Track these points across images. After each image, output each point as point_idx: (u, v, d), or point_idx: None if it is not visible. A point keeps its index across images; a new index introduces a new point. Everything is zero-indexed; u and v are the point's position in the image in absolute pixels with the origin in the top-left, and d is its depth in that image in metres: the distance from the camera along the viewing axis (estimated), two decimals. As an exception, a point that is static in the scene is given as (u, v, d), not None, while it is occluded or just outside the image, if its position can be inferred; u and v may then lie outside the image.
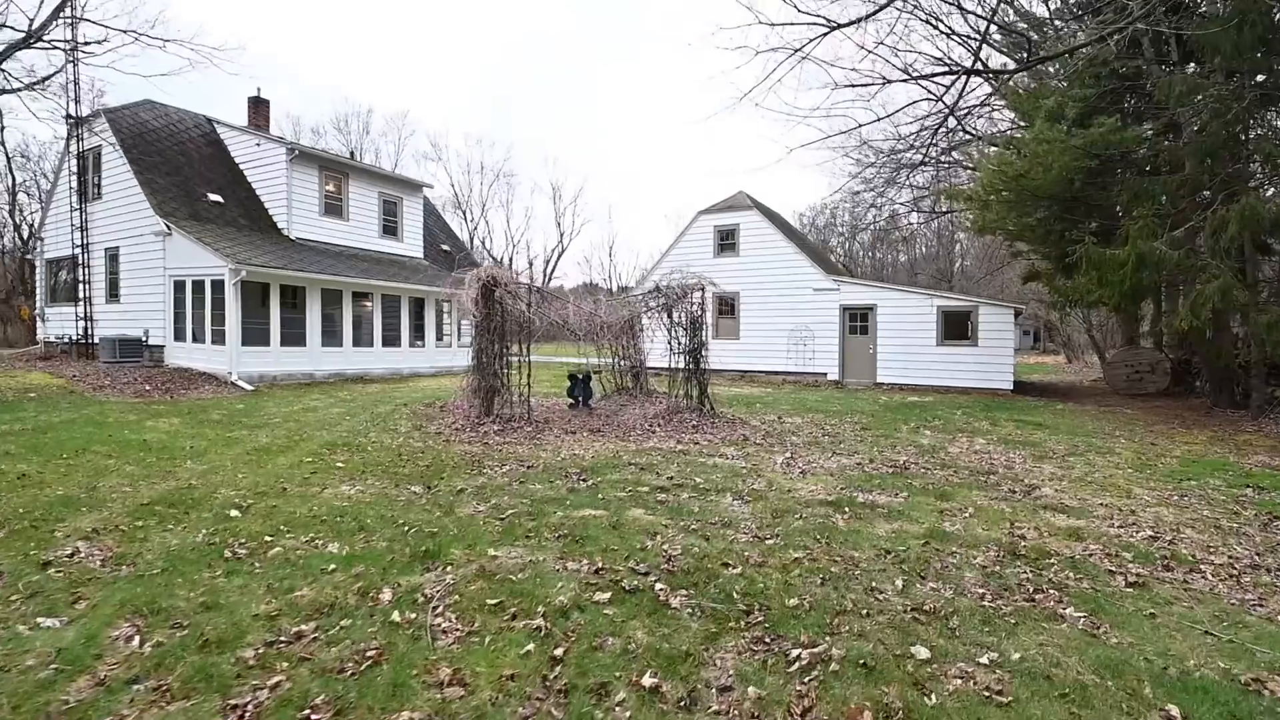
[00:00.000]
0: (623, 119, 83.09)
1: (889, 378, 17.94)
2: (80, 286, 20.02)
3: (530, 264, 67.67)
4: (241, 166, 21.19)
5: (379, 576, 4.03)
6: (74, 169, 20.19)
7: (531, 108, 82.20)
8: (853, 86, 6.84)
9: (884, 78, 6.73)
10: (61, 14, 12.94)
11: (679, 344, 10.77)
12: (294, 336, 17.30)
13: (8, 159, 36.16)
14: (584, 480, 6.49)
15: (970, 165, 17.50)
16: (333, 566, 4.21)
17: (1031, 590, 3.77)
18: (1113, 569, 4.16)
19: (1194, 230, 11.31)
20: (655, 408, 11.15)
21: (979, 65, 8.21)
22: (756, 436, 9.34)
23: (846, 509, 5.39)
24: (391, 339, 19.82)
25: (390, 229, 22.91)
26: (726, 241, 20.95)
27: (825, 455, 7.93)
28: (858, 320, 18.66)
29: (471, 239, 62.69)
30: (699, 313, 10.72)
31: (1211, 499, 6.17)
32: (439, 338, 21.31)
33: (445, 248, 26.94)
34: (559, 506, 5.45)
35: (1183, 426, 11.23)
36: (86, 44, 13.54)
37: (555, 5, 73.85)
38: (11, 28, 12.84)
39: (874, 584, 3.80)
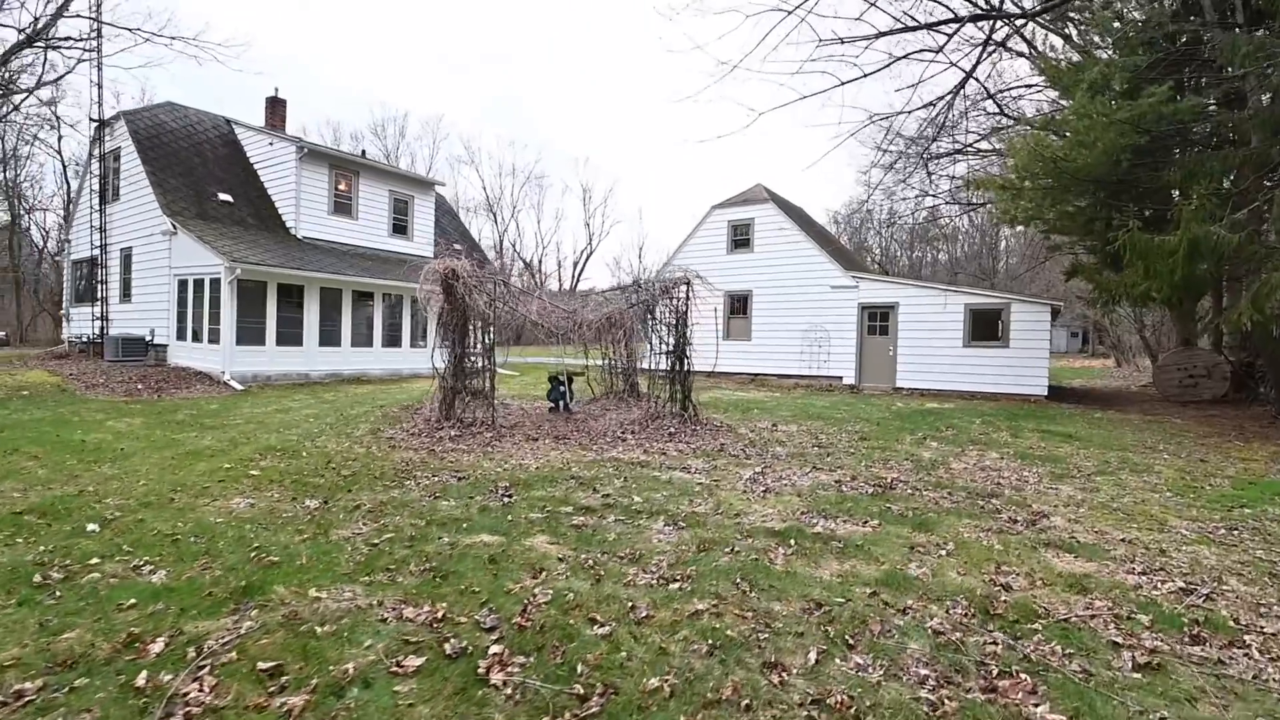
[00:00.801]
0: (652, 117, 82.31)
1: (909, 382, 16.59)
2: (98, 287, 20.28)
3: (559, 265, 67.67)
4: (256, 166, 21.12)
5: (172, 618, 3.27)
6: (95, 171, 20.49)
7: (562, 108, 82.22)
8: (842, 43, 5.83)
9: (875, 30, 5.70)
10: (64, 13, 12.91)
11: (662, 344, 9.85)
12: (290, 336, 16.98)
13: (64, 167, 37.65)
14: (508, 496, 5.66)
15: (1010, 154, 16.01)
16: (133, 601, 3.47)
17: (995, 673, 2.76)
18: (1119, 639, 3.09)
19: (1259, 212, 9.82)
20: (636, 413, 10.27)
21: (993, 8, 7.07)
22: (736, 446, 8.35)
23: (794, 541, 4.40)
24: (393, 339, 19.42)
25: (400, 228, 22.57)
26: (740, 237, 19.89)
27: (803, 470, 6.91)
28: (877, 320, 17.35)
29: (501, 241, 62.86)
30: (683, 309, 9.78)
31: (1269, 534, 4.94)
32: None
33: (458, 247, 26.53)
34: (453, 530, 4.63)
35: (1240, 439, 9.74)
36: (81, 40, 13.40)
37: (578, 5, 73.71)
38: (8, 26, 12.86)
39: (778, 656, 2.84)
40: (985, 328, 15.95)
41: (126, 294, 19.63)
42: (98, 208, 20.07)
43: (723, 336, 19.85)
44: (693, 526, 4.77)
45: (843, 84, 5.65)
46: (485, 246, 61.84)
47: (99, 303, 20.06)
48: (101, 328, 19.81)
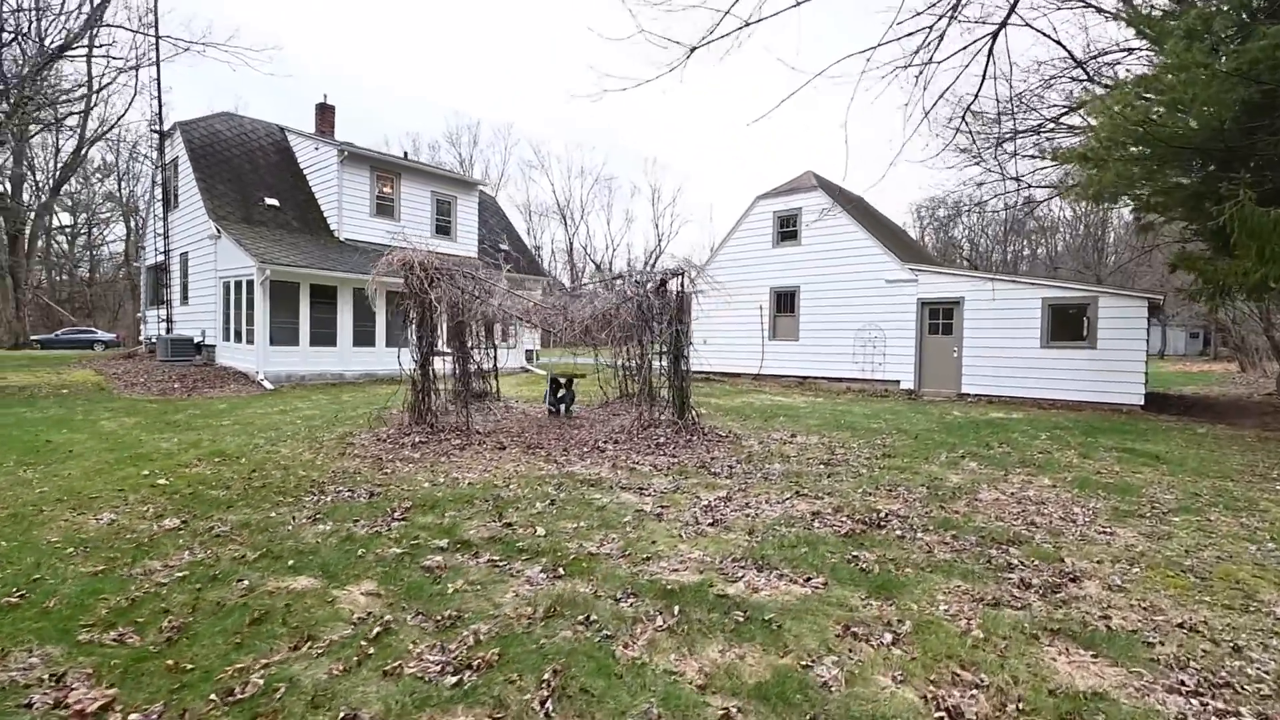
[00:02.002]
0: (720, 116, 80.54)
1: (976, 387, 14.57)
2: (161, 290, 21.34)
3: (629, 266, 67.42)
4: (304, 171, 21.57)
5: None
6: (157, 180, 21.59)
7: (629, 107, 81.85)
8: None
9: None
10: (96, 24, 13.45)
11: (654, 341, 8.73)
12: (324, 336, 17.01)
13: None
14: (399, 520, 4.77)
15: (1091, 115, 13.66)
16: None
17: None
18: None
19: None
20: (630, 419, 9.19)
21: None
22: (724, 462, 7.13)
23: (683, 608, 3.23)
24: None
25: (444, 228, 22.47)
26: (787, 229, 18.35)
27: (783, 496, 5.63)
28: (939, 317, 15.40)
29: (571, 244, 63.27)
30: (676, 304, 8.61)
31: None
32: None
33: (504, 247, 26.32)
34: (274, 569, 3.77)
35: (1403, 468, 7.49)
36: (100, 46, 13.79)
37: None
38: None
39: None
40: (1067, 325, 13.76)
41: (185, 297, 20.47)
42: (160, 215, 21.11)
43: (769, 336, 18.44)
44: (574, 575, 3.69)
45: (798, 4, 4.36)
46: (558, 249, 62.53)
47: (163, 305, 21.09)
48: (167, 329, 20.78)
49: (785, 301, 18.25)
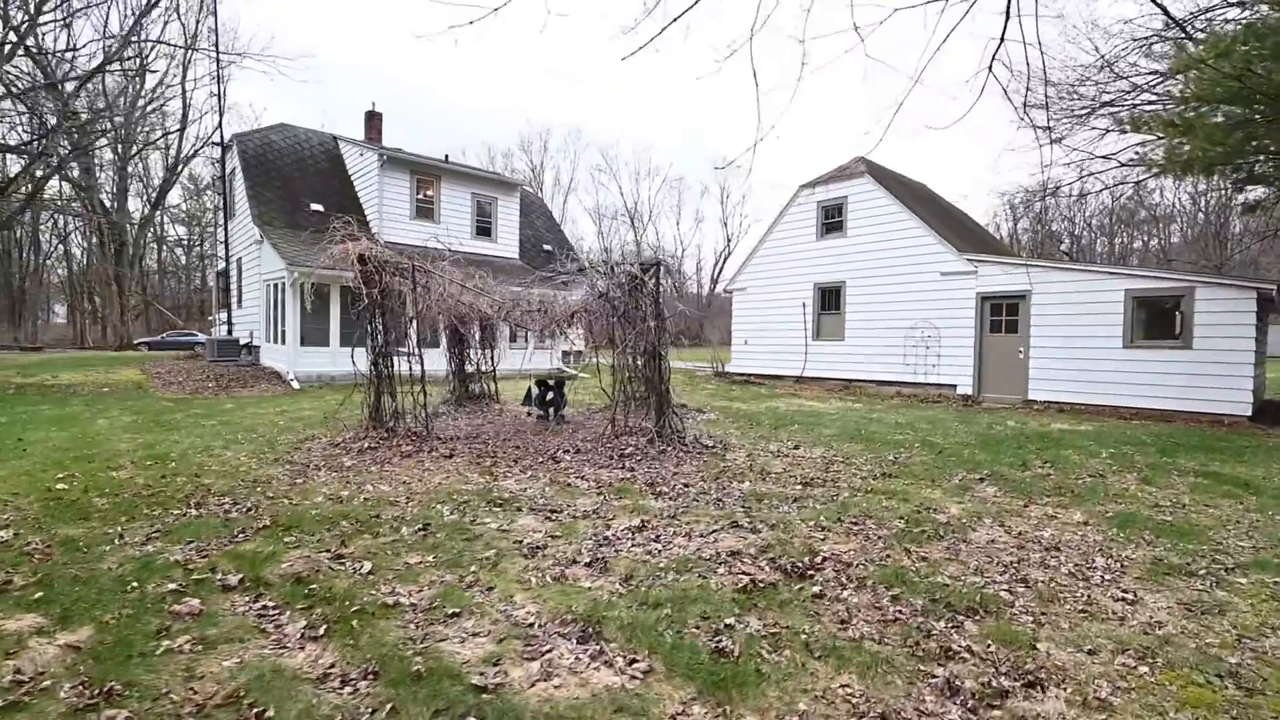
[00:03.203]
0: (789, 112, 77.65)
1: (1045, 393, 12.60)
2: (222, 295, 22.41)
3: (699, 268, 66.47)
4: (352, 177, 22.03)
5: None
6: (219, 190, 22.70)
7: (699, 104, 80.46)
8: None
9: None
10: (134, 38, 14.06)
11: (625, 339, 7.77)
12: (353, 337, 17.08)
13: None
14: (232, 544, 4.11)
15: (1175, 70, 11.42)
16: None
17: None
18: None
19: None
20: (603, 428, 8.28)
21: None
22: (680, 479, 6.10)
23: (400, 706, 2.32)
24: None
25: (484, 229, 22.36)
26: (832, 220, 16.80)
27: (711, 527, 4.56)
28: (1002, 314, 13.51)
29: (638, 244, 62.89)
30: (652, 299, 7.60)
31: None
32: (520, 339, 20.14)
33: (548, 247, 25.98)
34: (10, 604, 3.16)
35: None
36: (128, 58, 14.28)
37: None
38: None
39: None
40: (1156, 321, 11.65)
41: (240, 300, 21.33)
42: (222, 224, 22.15)
43: (812, 336, 16.96)
44: (333, 637, 2.84)
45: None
46: (628, 253, 62.22)
47: (225, 309, 22.14)
48: (227, 330, 21.76)
49: (830, 298, 16.73)
